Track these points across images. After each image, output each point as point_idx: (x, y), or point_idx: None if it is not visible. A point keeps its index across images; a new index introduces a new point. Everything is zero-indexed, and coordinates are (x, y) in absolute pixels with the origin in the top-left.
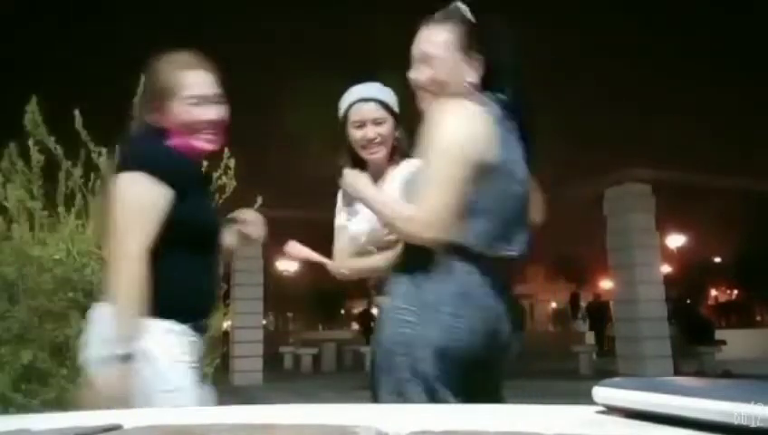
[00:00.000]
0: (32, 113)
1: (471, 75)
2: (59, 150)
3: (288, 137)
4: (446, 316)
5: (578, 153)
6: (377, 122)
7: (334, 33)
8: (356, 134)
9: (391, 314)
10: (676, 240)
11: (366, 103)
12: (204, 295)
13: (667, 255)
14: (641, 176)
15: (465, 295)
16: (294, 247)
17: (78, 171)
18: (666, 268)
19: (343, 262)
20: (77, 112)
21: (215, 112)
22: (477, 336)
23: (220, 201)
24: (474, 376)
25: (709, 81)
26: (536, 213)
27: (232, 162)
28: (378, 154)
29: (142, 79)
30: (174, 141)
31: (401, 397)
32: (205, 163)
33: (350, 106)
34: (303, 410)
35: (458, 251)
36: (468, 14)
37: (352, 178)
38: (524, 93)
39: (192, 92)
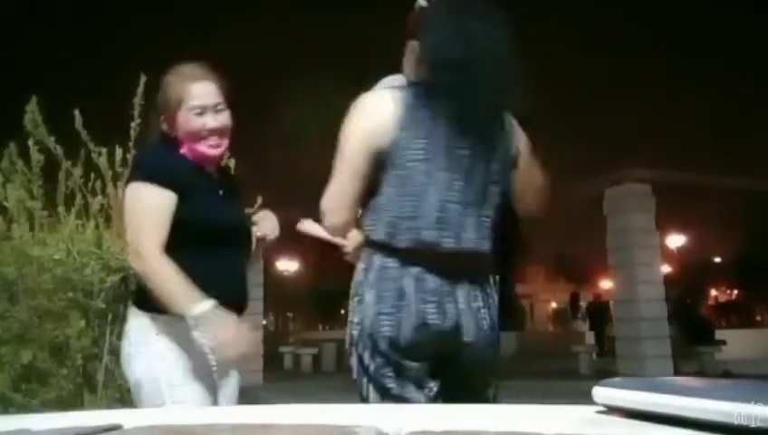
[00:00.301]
0: (32, 113)
1: (412, 61)
2: (59, 150)
3: (288, 137)
4: (369, 308)
5: (578, 153)
6: None
7: (334, 33)
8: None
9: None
10: (676, 240)
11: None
12: (212, 289)
13: (667, 255)
14: (641, 176)
15: (379, 287)
16: (309, 225)
17: (78, 171)
18: (666, 268)
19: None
20: (77, 112)
21: (215, 120)
22: (402, 325)
23: None
24: (416, 367)
25: (709, 81)
26: (531, 202)
27: (232, 162)
28: None
29: (142, 79)
30: (184, 149)
31: (363, 399)
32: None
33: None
34: (303, 410)
35: (372, 244)
36: (422, 2)
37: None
38: (487, 77)
39: (194, 103)
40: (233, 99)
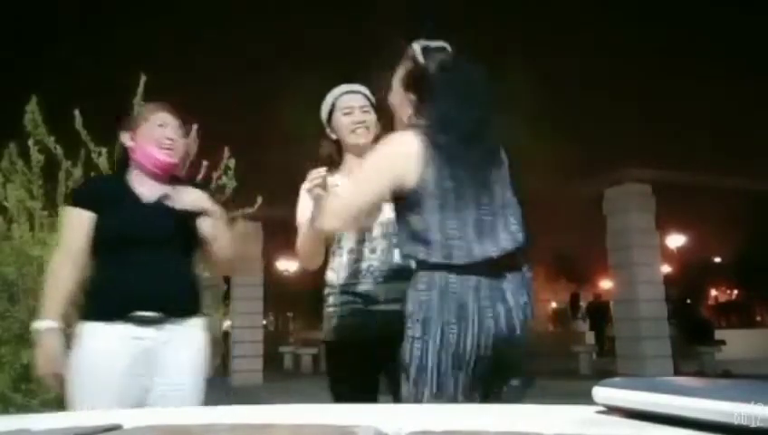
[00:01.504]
0: (32, 113)
1: (409, 109)
2: (59, 150)
3: (288, 137)
4: (435, 322)
5: (578, 153)
6: (363, 110)
7: (334, 34)
8: (345, 120)
9: None
10: (676, 240)
11: (353, 94)
12: (126, 293)
13: (667, 255)
14: (641, 176)
15: (444, 300)
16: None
17: (78, 171)
18: (666, 268)
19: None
20: (77, 112)
21: (174, 133)
22: (468, 331)
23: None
24: (474, 371)
25: (709, 81)
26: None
27: (232, 162)
28: (363, 138)
29: (142, 79)
30: (138, 156)
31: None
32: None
33: (338, 97)
34: (303, 410)
35: (429, 266)
36: (419, 57)
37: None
38: (483, 125)
39: (158, 121)
40: (231, 97)
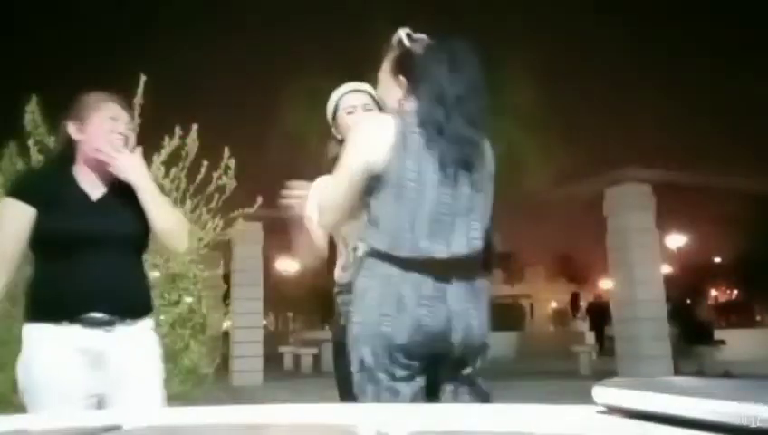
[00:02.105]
0: (32, 113)
1: (398, 94)
2: None
3: (288, 137)
4: (372, 310)
5: (578, 153)
6: (366, 108)
7: (334, 34)
8: (348, 120)
9: None
10: (676, 240)
11: (356, 93)
12: (76, 293)
13: (667, 255)
14: (641, 176)
15: (382, 291)
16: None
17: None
18: (666, 268)
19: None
20: None
21: (125, 129)
22: (401, 326)
23: (220, 201)
24: (409, 363)
25: (710, 81)
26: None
27: (232, 162)
28: None
29: (142, 79)
30: (87, 150)
31: (358, 390)
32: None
33: (342, 96)
34: (303, 410)
35: (375, 254)
36: (404, 41)
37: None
38: (467, 110)
39: (110, 113)
40: (232, 97)
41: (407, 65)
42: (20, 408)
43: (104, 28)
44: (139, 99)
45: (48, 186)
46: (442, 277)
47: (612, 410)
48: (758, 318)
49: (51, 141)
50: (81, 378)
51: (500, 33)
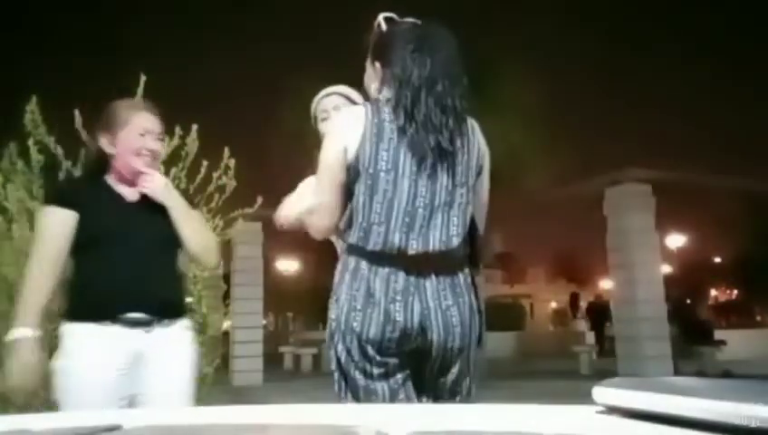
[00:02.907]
0: (32, 113)
1: (376, 81)
2: (59, 150)
3: (288, 137)
4: (343, 306)
5: (578, 153)
6: (337, 109)
7: (333, 35)
8: (322, 126)
9: None
10: (676, 240)
11: (328, 97)
12: (116, 293)
13: (667, 255)
14: (641, 176)
15: (352, 286)
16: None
17: (78, 171)
18: (666, 268)
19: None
20: (77, 112)
21: (155, 144)
22: (370, 322)
23: (220, 201)
24: (383, 361)
25: (710, 82)
26: (479, 222)
27: (232, 162)
28: None
29: (142, 79)
30: (119, 165)
31: (337, 390)
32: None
33: (317, 103)
34: (303, 410)
35: (347, 247)
36: (382, 24)
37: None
38: (444, 94)
39: (141, 125)
40: (232, 97)
41: (380, 51)
42: (20, 408)
43: (104, 28)
44: (139, 99)
45: (85, 191)
46: (416, 272)
47: (612, 410)
48: (758, 318)
49: (51, 141)
50: (120, 378)
51: (500, 32)
